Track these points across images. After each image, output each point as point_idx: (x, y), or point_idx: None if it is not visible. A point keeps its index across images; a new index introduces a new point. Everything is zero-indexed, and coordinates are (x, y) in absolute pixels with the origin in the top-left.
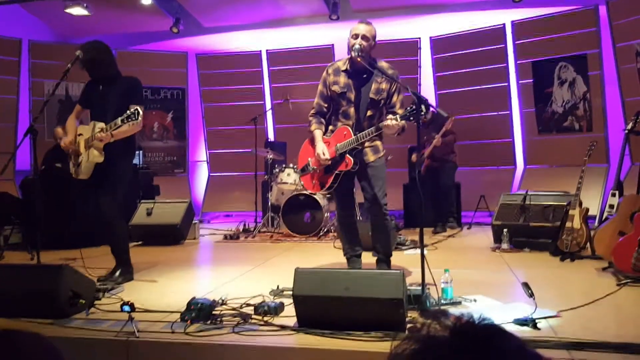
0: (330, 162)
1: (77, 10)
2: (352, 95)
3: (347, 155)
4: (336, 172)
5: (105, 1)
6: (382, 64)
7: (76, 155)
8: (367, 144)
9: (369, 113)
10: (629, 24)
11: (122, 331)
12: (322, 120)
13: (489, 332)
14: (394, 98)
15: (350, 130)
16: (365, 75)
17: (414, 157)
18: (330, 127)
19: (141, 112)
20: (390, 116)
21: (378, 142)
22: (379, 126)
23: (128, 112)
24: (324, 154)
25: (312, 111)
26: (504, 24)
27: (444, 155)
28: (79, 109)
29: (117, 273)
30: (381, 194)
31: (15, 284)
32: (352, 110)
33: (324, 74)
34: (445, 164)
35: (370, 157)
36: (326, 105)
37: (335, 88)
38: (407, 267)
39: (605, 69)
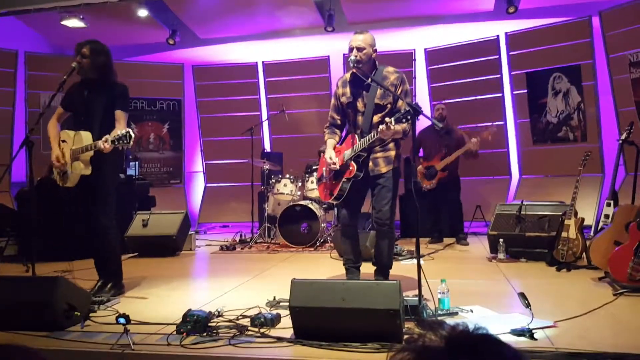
0: (336, 166)
1: (74, 23)
2: (358, 104)
3: (352, 162)
4: (343, 179)
5: (102, 13)
6: (388, 68)
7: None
8: (379, 153)
9: (376, 119)
10: (622, 35)
11: (117, 344)
12: (336, 130)
13: (484, 341)
14: (399, 102)
15: (357, 138)
16: (369, 82)
17: (420, 167)
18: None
19: (133, 136)
20: (386, 119)
21: (392, 152)
22: (373, 133)
23: (119, 133)
24: (331, 159)
25: (327, 124)
26: (498, 36)
27: (456, 168)
28: (60, 112)
29: (109, 286)
30: (388, 207)
31: (10, 296)
32: (360, 118)
33: (335, 87)
34: (456, 177)
35: (382, 168)
36: (339, 117)
37: (343, 99)
38: (403, 277)
39: (599, 79)
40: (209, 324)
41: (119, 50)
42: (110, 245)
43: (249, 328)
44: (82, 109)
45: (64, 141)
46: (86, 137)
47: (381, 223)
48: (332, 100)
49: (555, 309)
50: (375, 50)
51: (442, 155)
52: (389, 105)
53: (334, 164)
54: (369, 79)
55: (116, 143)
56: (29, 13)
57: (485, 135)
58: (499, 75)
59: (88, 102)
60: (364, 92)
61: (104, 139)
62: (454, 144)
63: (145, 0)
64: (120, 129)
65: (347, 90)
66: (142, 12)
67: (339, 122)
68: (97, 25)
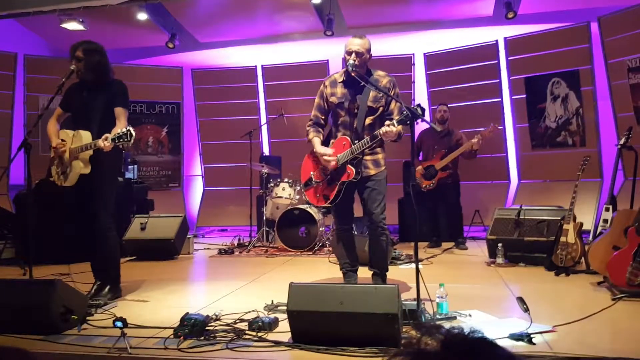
0: (335, 162)
1: (73, 25)
2: (350, 105)
3: (348, 165)
4: (339, 183)
5: (101, 16)
6: (379, 72)
7: (61, 162)
8: (368, 156)
9: (368, 121)
10: (620, 41)
11: (114, 347)
12: (320, 129)
13: (480, 344)
14: (392, 105)
15: (349, 140)
16: (362, 84)
17: (419, 168)
18: (332, 140)
19: (134, 134)
20: (387, 122)
21: (380, 155)
22: (375, 134)
23: (120, 131)
24: (327, 152)
25: (309, 122)
26: (497, 41)
27: (456, 169)
28: (59, 112)
29: (107, 289)
30: (380, 209)
31: (6, 300)
32: (352, 120)
33: (321, 86)
34: (455, 180)
35: (372, 170)
36: (323, 117)
37: (333, 99)
38: (402, 282)
39: (597, 84)
40: (207, 328)
41: (118, 54)
42: (109, 247)
43: (247, 332)
44: (81, 108)
45: (62, 140)
46: (85, 136)
47: (375, 225)
48: (317, 100)
49: (553, 313)
50: (370, 56)
51: (442, 155)
52: (381, 108)
53: (333, 157)
54: (367, 82)
55: (116, 141)
56: (29, 16)
57: (488, 132)
58: (497, 80)
59: (87, 102)
60: (357, 94)
61: (103, 137)
62: (453, 145)
63: (144, 4)
64: (120, 127)
65: (337, 90)
66: (142, 16)
67: (322, 121)
68: (96, 28)
